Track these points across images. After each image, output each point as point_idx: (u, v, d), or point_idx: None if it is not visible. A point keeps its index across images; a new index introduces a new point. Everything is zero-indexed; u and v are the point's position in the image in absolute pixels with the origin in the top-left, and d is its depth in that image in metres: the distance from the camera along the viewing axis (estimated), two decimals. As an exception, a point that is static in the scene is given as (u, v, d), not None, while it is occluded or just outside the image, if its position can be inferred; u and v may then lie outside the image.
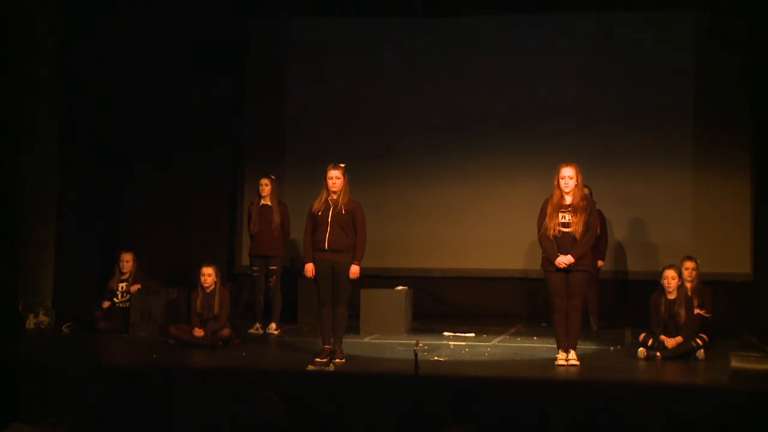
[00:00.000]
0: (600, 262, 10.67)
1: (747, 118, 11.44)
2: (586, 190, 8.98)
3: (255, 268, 10.48)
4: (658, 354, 8.48)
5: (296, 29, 12.56)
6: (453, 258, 12.00)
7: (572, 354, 8.10)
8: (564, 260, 7.98)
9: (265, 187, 10.47)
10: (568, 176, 8.08)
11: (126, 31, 11.62)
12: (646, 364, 8.40)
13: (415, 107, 12.16)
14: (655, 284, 8.94)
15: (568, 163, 8.17)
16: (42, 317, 10.43)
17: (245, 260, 11.41)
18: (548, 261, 8.11)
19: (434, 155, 12.04)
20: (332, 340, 8.25)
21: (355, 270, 8.23)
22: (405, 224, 12.06)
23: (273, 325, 10.34)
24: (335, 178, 8.22)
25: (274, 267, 10.42)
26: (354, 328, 9.92)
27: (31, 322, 10.33)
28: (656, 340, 8.57)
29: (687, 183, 11.59)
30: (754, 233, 11.35)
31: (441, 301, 12.04)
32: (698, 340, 8.59)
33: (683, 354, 8.49)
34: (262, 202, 10.48)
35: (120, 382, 7.24)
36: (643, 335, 8.69)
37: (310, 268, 8.28)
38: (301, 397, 6.31)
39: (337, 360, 8.17)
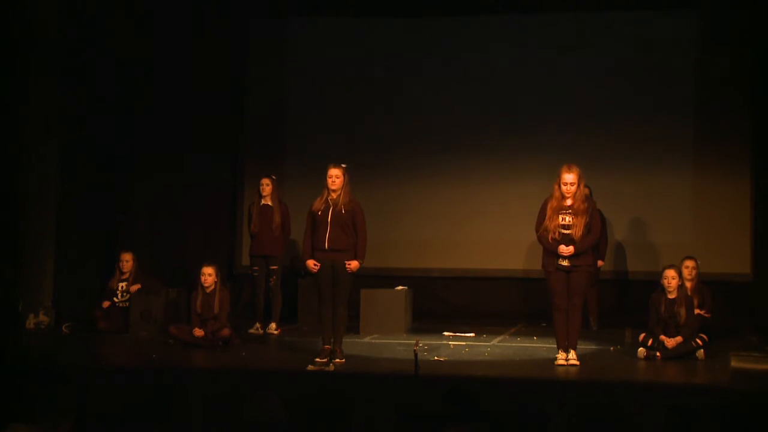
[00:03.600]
0: (600, 262, 10.65)
1: (747, 118, 11.44)
2: (586, 191, 8.96)
3: (255, 268, 10.48)
4: (658, 354, 8.48)
5: (296, 29, 12.55)
6: (453, 258, 11.98)
7: (572, 354, 8.09)
8: (566, 249, 7.95)
9: (267, 187, 10.47)
10: (569, 182, 8.03)
11: (125, 31, 11.61)
12: (646, 364, 8.39)
13: (415, 107, 12.15)
14: (655, 284, 8.94)
15: (570, 165, 8.09)
16: (42, 317, 10.44)
17: (245, 260, 11.40)
18: (548, 261, 8.10)
19: (434, 155, 12.02)
20: (332, 340, 8.25)
21: (354, 264, 8.21)
22: (405, 224, 12.05)
23: (273, 325, 10.34)
24: (335, 177, 8.21)
25: (274, 267, 10.42)
26: (354, 328, 9.92)
27: (31, 322, 10.35)
28: (656, 340, 8.56)
29: (687, 183, 11.58)
30: (754, 233, 11.34)
31: (441, 301, 12.03)
32: (698, 340, 8.58)
33: (683, 354, 8.49)
34: (263, 202, 10.48)
35: (120, 382, 7.23)
36: (643, 335, 8.68)
37: (312, 263, 8.25)
38: (301, 397, 6.30)
39: (337, 360, 8.16)
